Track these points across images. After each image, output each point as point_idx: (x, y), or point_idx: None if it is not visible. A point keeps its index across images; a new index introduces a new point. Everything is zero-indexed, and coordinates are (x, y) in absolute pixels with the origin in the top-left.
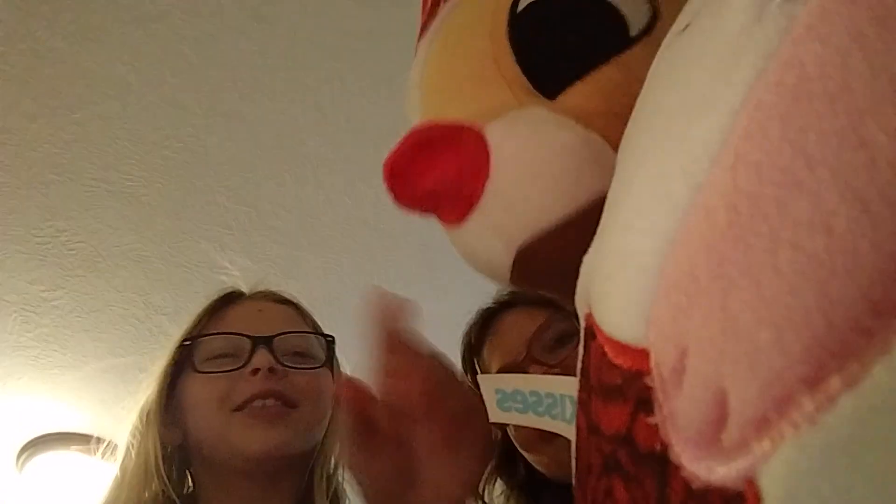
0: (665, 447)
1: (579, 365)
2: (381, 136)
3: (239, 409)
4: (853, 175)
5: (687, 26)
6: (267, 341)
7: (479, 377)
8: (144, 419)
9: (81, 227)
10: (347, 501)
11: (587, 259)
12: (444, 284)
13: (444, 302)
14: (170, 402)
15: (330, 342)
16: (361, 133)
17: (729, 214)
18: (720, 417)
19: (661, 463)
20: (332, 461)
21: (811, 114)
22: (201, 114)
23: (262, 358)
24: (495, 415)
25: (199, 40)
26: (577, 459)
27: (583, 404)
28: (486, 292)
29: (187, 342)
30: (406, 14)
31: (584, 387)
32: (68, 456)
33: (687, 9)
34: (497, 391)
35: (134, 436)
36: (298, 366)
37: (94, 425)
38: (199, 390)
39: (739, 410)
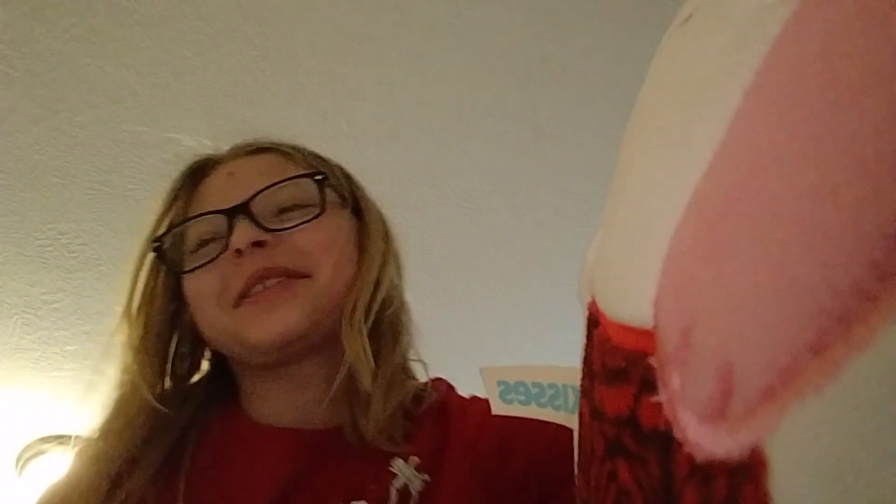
0: (669, 425)
1: (582, 354)
2: (382, 140)
3: (238, 303)
4: (857, 145)
5: (689, 17)
6: (243, 209)
7: (482, 369)
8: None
9: (83, 229)
10: (404, 337)
11: (590, 249)
12: (447, 289)
13: (446, 307)
14: (177, 310)
15: (320, 181)
16: (362, 136)
17: (733, 190)
18: (725, 390)
19: (665, 441)
20: (368, 302)
21: (815, 88)
22: (203, 117)
23: (241, 233)
24: (498, 407)
25: (200, 44)
26: (580, 447)
27: (585, 391)
28: (486, 297)
29: (157, 244)
30: (406, 18)
31: (587, 374)
32: (69, 458)
33: (689, 0)
34: (499, 383)
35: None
36: (292, 223)
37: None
38: (192, 289)
39: (745, 382)
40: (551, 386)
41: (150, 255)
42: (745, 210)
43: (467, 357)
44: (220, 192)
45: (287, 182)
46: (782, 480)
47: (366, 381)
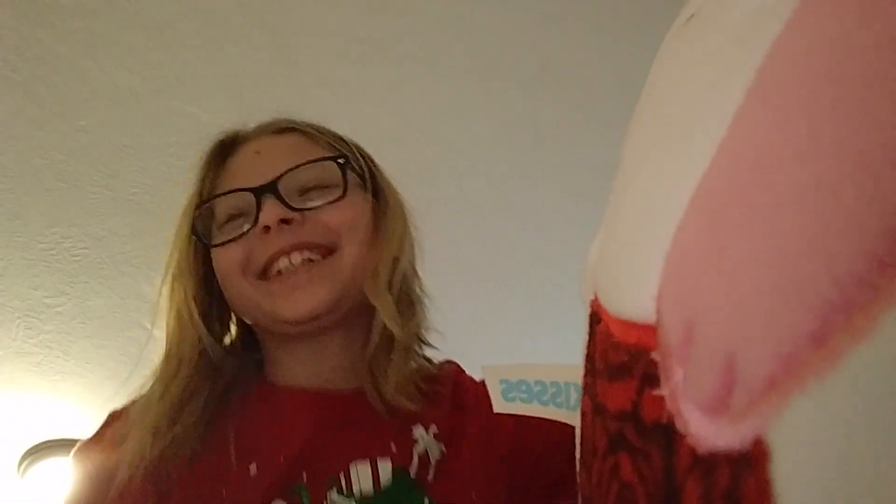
0: (671, 418)
1: (584, 351)
2: (384, 142)
3: (263, 275)
4: (858, 140)
5: (691, 18)
6: (271, 188)
7: (483, 368)
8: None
9: (85, 233)
10: (422, 308)
11: (593, 247)
12: (449, 289)
13: (448, 307)
14: (207, 274)
15: (342, 164)
16: (365, 139)
17: (735, 185)
18: (728, 382)
19: (668, 434)
20: (389, 274)
21: (816, 84)
22: (206, 121)
23: (269, 211)
24: (500, 406)
25: (204, 48)
26: (581, 444)
27: (588, 388)
28: (488, 297)
29: (196, 214)
30: (408, 21)
31: (590, 371)
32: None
33: (691, 1)
34: (501, 381)
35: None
36: (318, 202)
37: None
38: (220, 261)
39: (747, 373)
40: (553, 384)
41: (187, 227)
42: (746, 204)
43: (468, 357)
44: (247, 170)
45: (312, 163)
46: (784, 469)
47: (398, 332)
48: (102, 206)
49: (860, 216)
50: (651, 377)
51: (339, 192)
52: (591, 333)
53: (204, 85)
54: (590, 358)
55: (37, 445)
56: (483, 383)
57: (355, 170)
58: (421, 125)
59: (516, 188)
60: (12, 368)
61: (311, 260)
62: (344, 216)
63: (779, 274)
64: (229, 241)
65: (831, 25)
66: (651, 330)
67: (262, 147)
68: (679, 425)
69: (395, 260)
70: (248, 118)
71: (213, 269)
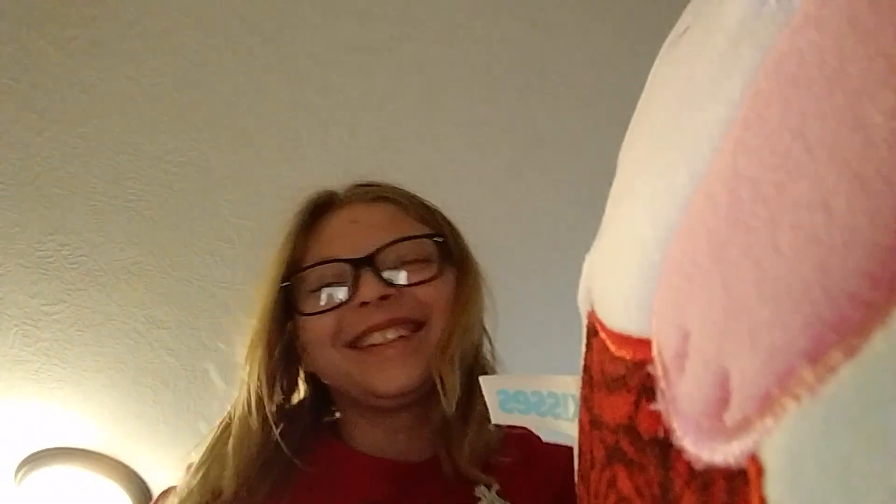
0: (668, 432)
1: (581, 363)
2: (381, 148)
3: (353, 345)
4: (851, 155)
5: (686, 28)
6: (368, 262)
7: (481, 379)
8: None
9: (84, 241)
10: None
11: (589, 258)
12: None
13: None
14: (282, 340)
15: (440, 243)
16: (362, 146)
17: (729, 199)
18: (723, 398)
19: (664, 448)
20: (459, 347)
21: (809, 98)
22: (204, 128)
23: (368, 287)
24: (498, 417)
25: (201, 55)
26: (579, 456)
27: (585, 400)
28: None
29: (285, 283)
30: (406, 30)
31: (587, 383)
32: (67, 471)
33: (686, 13)
34: (499, 392)
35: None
36: (415, 279)
37: (94, 440)
38: (311, 330)
39: (741, 388)
40: (551, 395)
41: (277, 289)
42: (740, 217)
43: None
44: (343, 238)
45: (408, 240)
46: (779, 486)
47: (449, 407)
48: (101, 213)
49: (853, 232)
50: (648, 391)
51: (434, 270)
52: (589, 346)
53: (202, 93)
54: (587, 370)
55: (34, 454)
56: (555, 445)
57: (449, 247)
58: (419, 132)
59: (515, 195)
60: (10, 376)
61: (403, 336)
62: (437, 293)
63: (772, 289)
64: (323, 311)
65: (824, 38)
66: (647, 343)
67: (357, 216)
68: (675, 440)
69: (469, 332)
70: (247, 126)
71: (289, 328)
